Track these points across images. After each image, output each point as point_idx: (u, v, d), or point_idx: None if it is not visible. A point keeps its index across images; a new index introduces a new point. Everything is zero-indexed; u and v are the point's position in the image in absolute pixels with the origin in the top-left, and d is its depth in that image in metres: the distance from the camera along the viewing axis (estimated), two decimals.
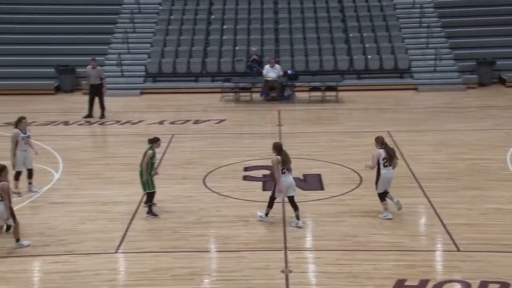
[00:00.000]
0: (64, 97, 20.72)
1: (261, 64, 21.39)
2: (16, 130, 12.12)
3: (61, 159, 14.29)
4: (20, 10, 23.86)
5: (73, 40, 22.91)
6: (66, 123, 17.41)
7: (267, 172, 13.56)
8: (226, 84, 20.79)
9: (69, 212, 11.47)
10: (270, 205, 10.89)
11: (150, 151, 11.34)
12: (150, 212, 11.33)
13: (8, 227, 10.31)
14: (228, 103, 20.16)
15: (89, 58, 21.35)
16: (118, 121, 17.74)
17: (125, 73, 21.69)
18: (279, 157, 10.53)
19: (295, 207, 10.76)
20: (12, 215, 9.89)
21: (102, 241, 10.27)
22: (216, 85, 21.33)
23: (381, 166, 10.72)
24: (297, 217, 10.77)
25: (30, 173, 12.39)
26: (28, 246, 9.96)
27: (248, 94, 20.55)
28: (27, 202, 11.82)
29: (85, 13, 24.06)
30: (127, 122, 17.70)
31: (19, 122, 12.20)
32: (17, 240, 9.97)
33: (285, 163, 10.57)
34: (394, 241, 10.09)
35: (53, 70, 21.34)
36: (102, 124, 17.48)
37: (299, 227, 10.67)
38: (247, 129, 17.21)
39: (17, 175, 12.21)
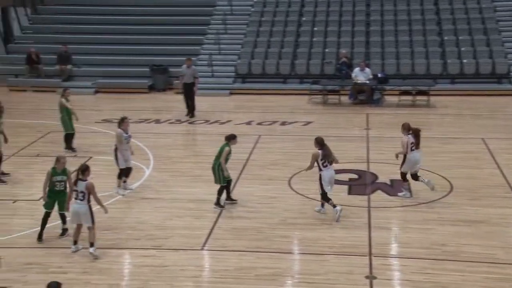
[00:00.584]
0: (157, 95, 21.39)
1: (350, 67, 21.16)
2: (120, 130, 12.41)
3: (152, 156, 14.76)
4: (119, 11, 24.86)
5: (167, 41, 23.61)
6: (157, 121, 17.97)
7: (353, 176, 13.40)
8: (315, 86, 20.72)
9: (158, 208, 11.84)
10: (326, 200, 11.15)
11: (227, 148, 11.55)
12: (218, 203, 11.63)
13: (64, 231, 10.42)
14: (315, 105, 20.08)
15: (182, 59, 22.07)
16: (207, 121, 18.11)
17: (215, 73, 22.10)
18: (320, 151, 11.01)
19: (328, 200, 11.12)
20: (92, 216, 9.74)
21: (188, 238, 10.53)
22: (304, 87, 21.30)
23: (409, 150, 11.44)
24: (333, 206, 11.01)
25: (128, 171, 12.74)
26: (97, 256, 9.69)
27: (337, 96, 20.38)
28: (114, 199, 12.29)
29: (179, 15, 24.72)
30: (216, 121, 18.04)
31: (122, 122, 12.50)
32: (92, 244, 9.78)
33: (327, 157, 11.06)
34: (486, 252, 9.68)
35: (147, 69, 22.08)
36: (191, 123, 17.90)
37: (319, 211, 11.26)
38: (334, 132, 17.05)
39: (121, 173, 12.50)
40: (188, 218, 11.38)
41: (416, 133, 11.95)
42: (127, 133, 12.54)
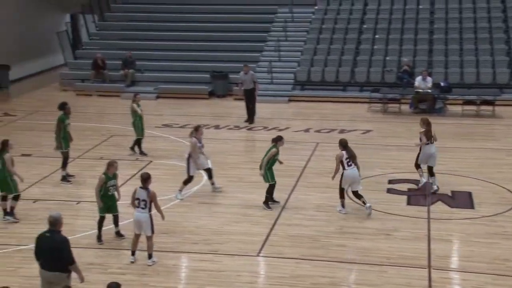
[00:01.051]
0: (216, 101, 21.62)
1: (412, 75, 20.78)
2: (194, 140, 12.60)
3: (210, 162, 14.89)
4: (181, 19, 25.31)
5: (228, 48, 23.85)
6: (217, 127, 18.15)
7: (412, 186, 13.14)
8: (375, 95, 20.46)
9: (215, 213, 11.95)
10: (342, 195, 11.72)
11: (274, 149, 11.84)
12: (266, 203, 11.83)
13: (119, 234, 10.65)
14: (375, 114, 19.82)
15: (242, 65, 22.24)
16: (265, 127, 18.17)
17: (274, 80, 22.16)
18: (344, 152, 11.64)
19: (359, 197, 11.58)
20: (152, 226, 9.72)
21: (245, 243, 10.57)
22: (364, 95, 21.07)
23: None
24: (363, 203, 11.49)
25: (210, 173, 12.91)
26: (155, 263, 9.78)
27: (397, 105, 20.05)
28: (173, 202, 12.47)
29: (240, 22, 24.95)
30: (274, 128, 18.07)
31: (196, 131, 12.71)
32: (150, 256, 9.81)
33: (352, 157, 11.66)
34: None
35: (208, 76, 22.37)
36: (250, 129, 18.00)
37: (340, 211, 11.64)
38: (394, 141, 16.78)
39: (189, 180, 12.63)
40: (245, 224, 11.44)
41: (431, 130, 12.82)
42: (200, 143, 12.72)
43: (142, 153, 15.20)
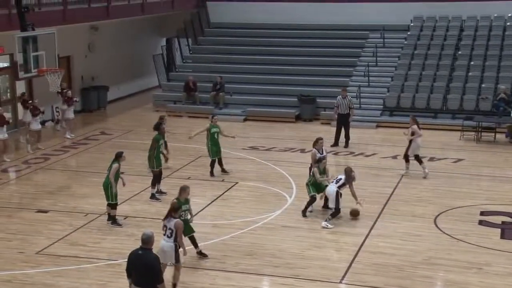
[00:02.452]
0: (303, 125, 21.62)
1: (509, 104, 19.89)
2: (314, 150, 13.38)
3: (295, 185, 14.88)
4: (270, 43, 25.64)
5: (316, 72, 23.87)
6: (302, 150, 18.12)
7: (507, 219, 12.50)
8: (468, 123, 19.73)
9: (298, 236, 11.87)
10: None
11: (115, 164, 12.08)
12: (304, 212, 12.65)
13: (202, 254, 10.69)
14: (468, 142, 19.09)
15: (330, 90, 22.21)
16: (352, 153, 17.94)
17: (363, 105, 21.90)
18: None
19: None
20: (177, 255, 9.43)
21: (327, 269, 10.41)
22: (456, 123, 20.36)
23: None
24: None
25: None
26: None
27: (492, 134, 19.22)
28: (256, 225, 12.52)
29: (330, 47, 24.95)
30: (361, 154, 17.80)
31: (316, 143, 13.49)
32: (174, 286, 9.56)
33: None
34: None
35: (295, 99, 22.46)
36: (336, 154, 17.83)
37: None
38: (487, 171, 16.08)
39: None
40: (327, 249, 11.28)
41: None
42: (321, 153, 13.32)
43: (223, 171, 15.44)
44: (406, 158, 15.46)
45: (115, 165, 12.04)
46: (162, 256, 9.12)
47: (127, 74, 26.20)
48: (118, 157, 12.15)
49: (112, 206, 12.25)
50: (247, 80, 24.10)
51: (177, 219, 9.43)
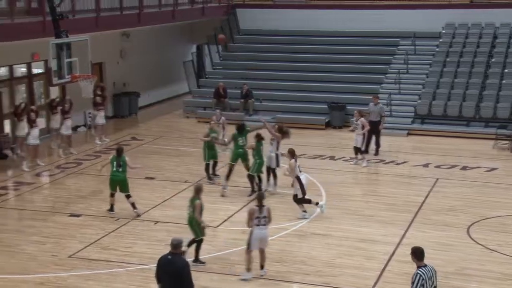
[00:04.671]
0: (333, 132, 21.54)
1: None
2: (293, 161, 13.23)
3: (324, 192, 14.83)
4: (300, 50, 25.59)
5: (346, 79, 23.77)
6: (332, 157, 18.04)
7: None
8: (502, 131, 19.41)
9: (328, 244, 11.81)
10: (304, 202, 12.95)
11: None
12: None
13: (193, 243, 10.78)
14: (501, 151, 18.78)
15: (360, 97, 22.08)
16: (382, 160, 17.80)
17: (393, 113, 21.73)
18: (293, 160, 12.95)
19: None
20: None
21: (357, 278, 10.34)
22: (489, 131, 20.05)
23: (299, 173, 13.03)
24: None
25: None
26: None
27: None
28: (285, 232, 12.49)
29: (361, 54, 24.83)
30: (391, 161, 17.65)
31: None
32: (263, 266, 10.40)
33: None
34: None
35: (325, 106, 22.39)
36: (367, 161, 17.68)
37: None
38: None
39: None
40: (358, 257, 11.20)
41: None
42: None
43: (209, 177, 15.45)
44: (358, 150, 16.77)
45: (198, 202, 10.76)
46: (262, 242, 10.22)
47: (157, 81, 26.45)
48: (199, 191, 10.91)
49: (198, 242, 10.92)
50: (276, 87, 24.11)
51: (266, 205, 10.34)
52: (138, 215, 13.09)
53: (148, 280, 9.90)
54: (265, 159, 14.62)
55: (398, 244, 11.74)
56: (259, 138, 14.51)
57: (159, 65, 26.30)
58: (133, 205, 13.16)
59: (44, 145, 18.32)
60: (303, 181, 13.07)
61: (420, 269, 7.52)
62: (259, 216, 10.23)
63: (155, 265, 8.13)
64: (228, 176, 14.67)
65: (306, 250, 11.47)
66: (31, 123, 16.72)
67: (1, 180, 15.74)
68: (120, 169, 13.01)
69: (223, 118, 17.78)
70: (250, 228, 10.29)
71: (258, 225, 10.23)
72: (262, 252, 10.44)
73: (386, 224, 12.71)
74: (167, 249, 8.08)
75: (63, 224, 12.78)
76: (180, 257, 7.94)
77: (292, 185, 13.21)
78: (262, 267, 10.44)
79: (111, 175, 13.16)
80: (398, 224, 12.69)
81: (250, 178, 14.44)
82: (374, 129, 18.16)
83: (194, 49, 29.04)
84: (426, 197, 14.47)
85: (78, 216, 13.22)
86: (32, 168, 16.63)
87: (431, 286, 7.51)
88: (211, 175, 15.54)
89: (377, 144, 18.33)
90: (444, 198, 14.39)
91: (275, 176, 14.74)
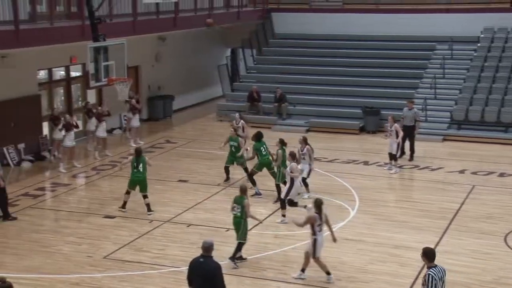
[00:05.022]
0: (367, 137, 21.34)
1: None
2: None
3: (358, 198, 14.70)
4: (334, 54, 25.45)
5: (381, 83, 23.55)
6: (366, 163, 17.88)
7: None
8: None
9: (360, 250, 11.70)
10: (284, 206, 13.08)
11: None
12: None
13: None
14: None
15: (395, 102, 21.85)
16: (417, 166, 17.56)
17: (429, 118, 21.42)
18: (294, 163, 13.19)
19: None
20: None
21: (391, 285, 10.21)
22: None
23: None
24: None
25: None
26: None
27: None
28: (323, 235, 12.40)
29: (396, 58, 24.56)
30: (426, 167, 17.40)
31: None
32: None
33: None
34: None
35: (359, 111, 22.22)
36: (400, 167, 17.48)
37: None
38: None
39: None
40: (391, 264, 11.06)
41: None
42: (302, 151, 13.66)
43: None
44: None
45: (247, 201, 10.95)
46: (320, 250, 10.33)
47: (192, 84, 26.64)
48: (245, 191, 11.08)
49: (240, 245, 11.05)
50: (310, 91, 24.03)
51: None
52: (150, 214, 13.41)
53: (180, 283, 9.94)
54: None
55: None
56: (283, 144, 14.31)
57: (194, 68, 26.50)
58: (148, 206, 13.50)
59: (80, 147, 18.61)
60: (293, 188, 13.08)
61: (431, 270, 7.56)
62: (320, 224, 10.24)
63: (187, 267, 8.16)
64: (252, 181, 14.80)
65: (337, 255, 11.38)
66: (71, 127, 17.00)
67: (38, 181, 16.05)
68: (141, 170, 13.48)
69: (242, 121, 17.71)
70: (313, 237, 10.23)
71: (320, 231, 10.26)
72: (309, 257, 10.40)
73: (420, 231, 12.53)
74: (199, 252, 8.10)
75: (98, 225, 12.95)
76: (212, 259, 7.95)
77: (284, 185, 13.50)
78: (303, 270, 10.45)
79: (132, 175, 13.66)
80: (432, 231, 12.49)
81: (278, 187, 14.26)
82: (409, 134, 17.93)
83: (228, 53, 29.17)
84: (462, 204, 14.22)
85: (112, 217, 13.39)
86: (68, 170, 16.92)
87: (442, 286, 7.53)
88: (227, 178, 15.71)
89: (412, 150, 18.10)
90: (481, 205, 14.12)
91: (306, 185, 14.62)
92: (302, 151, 14.36)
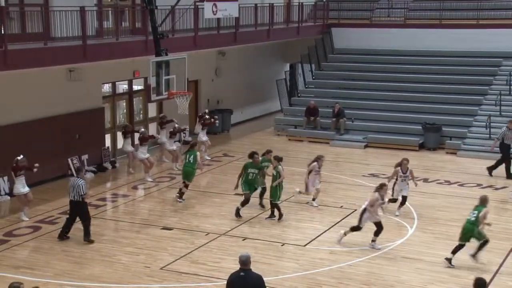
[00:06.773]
0: (426, 154, 20.89)
1: None
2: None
3: (417, 215, 14.41)
4: (393, 69, 25.14)
5: (443, 100, 23.06)
6: (425, 180, 17.50)
7: None
8: None
9: (418, 269, 11.44)
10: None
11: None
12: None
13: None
14: None
15: (456, 118, 21.33)
16: (479, 184, 17.06)
17: (493, 136, 20.80)
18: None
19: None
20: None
21: None
22: None
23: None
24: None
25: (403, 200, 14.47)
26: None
27: None
28: (374, 254, 12.21)
29: (460, 74, 24.04)
30: (490, 186, 16.88)
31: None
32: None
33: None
34: None
35: (419, 127, 21.82)
36: (461, 185, 17.02)
37: None
38: None
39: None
40: (451, 284, 10.76)
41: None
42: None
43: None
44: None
45: (485, 208, 11.76)
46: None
47: (250, 98, 26.87)
48: (486, 201, 11.94)
49: (460, 246, 11.75)
50: (369, 107, 23.79)
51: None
52: (179, 201, 15.13)
53: None
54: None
55: (496, 273, 11.18)
56: (279, 160, 14.24)
57: (253, 83, 26.73)
58: (181, 192, 15.25)
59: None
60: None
61: None
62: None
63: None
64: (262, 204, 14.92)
65: (395, 274, 11.17)
66: (146, 140, 17.58)
67: (100, 192, 16.50)
68: (191, 161, 15.35)
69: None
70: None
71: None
72: None
73: (483, 252, 12.12)
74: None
75: (155, 236, 13.17)
76: (253, 272, 7.94)
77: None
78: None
79: (183, 166, 15.55)
80: (496, 252, 12.08)
81: (276, 206, 14.12)
82: (505, 153, 17.69)
83: (287, 67, 29.28)
84: None
85: (170, 229, 13.60)
86: (141, 181, 17.30)
87: None
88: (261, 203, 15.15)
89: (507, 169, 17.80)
90: None
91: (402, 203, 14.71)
92: (404, 172, 14.54)
